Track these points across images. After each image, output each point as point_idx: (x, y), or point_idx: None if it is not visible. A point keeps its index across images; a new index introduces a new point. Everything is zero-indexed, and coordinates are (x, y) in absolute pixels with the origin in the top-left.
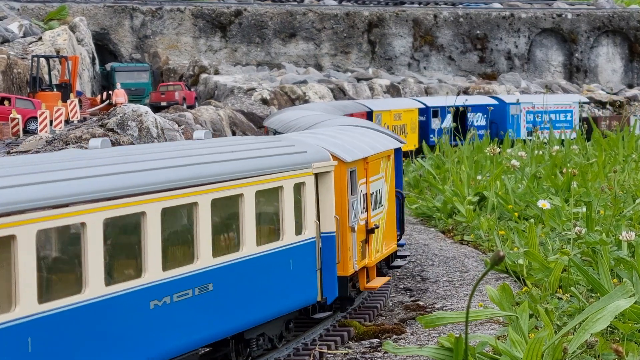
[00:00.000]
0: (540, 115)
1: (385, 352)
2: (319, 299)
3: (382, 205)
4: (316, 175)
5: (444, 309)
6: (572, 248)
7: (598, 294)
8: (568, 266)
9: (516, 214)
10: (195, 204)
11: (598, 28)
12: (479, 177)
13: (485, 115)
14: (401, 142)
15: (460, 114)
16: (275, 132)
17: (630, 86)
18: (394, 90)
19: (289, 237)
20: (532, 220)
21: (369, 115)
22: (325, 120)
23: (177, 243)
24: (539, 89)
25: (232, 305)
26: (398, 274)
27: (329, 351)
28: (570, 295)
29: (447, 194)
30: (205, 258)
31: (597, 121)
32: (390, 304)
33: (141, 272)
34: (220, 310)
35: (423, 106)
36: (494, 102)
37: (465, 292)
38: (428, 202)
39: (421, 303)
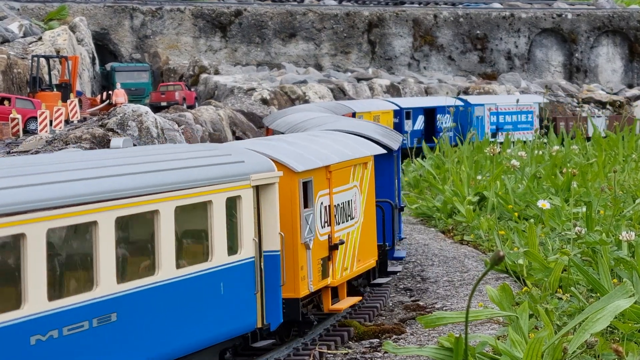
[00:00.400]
0: (503, 116)
1: (385, 352)
2: (259, 325)
3: (352, 219)
4: (257, 187)
5: (444, 309)
6: (572, 248)
7: (598, 294)
8: (568, 266)
9: (516, 214)
10: (94, 223)
11: (598, 28)
12: (479, 177)
13: (452, 117)
14: (387, 149)
15: (429, 116)
16: None
17: (631, 86)
18: (394, 91)
19: (219, 258)
20: (532, 220)
21: (353, 116)
22: (333, 121)
23: (71, 268)
24: (539, 89)
25: (143, 336)
26: (398, 273)
27: (329, 351)
28: (570, 295)
29: (447, 194)
30: (107, 284)
31: (555, 121)
32: (390, 304)
33: (20, 303)
34: (126, 343)
35: (397, 108)
36: (460, 103)
37: (465, 292)
38: (428, 202)
39: (421, 303)
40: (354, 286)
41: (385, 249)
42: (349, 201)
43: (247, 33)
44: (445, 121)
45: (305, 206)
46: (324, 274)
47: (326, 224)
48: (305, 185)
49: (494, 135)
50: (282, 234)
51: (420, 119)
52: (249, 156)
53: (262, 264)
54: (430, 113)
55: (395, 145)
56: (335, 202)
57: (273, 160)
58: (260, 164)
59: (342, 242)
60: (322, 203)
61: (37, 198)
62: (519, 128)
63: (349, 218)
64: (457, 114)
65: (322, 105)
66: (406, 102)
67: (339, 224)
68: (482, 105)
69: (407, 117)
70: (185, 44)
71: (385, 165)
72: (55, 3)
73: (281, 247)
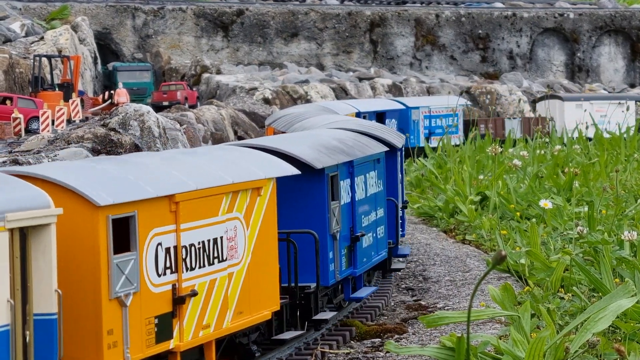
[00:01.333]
0: (435, 120)
1: (387, 352)
2: None
3: (223, 261)
4: (21, 230)
5: (446, 308)
6: (574, 248)
7: (600, 294)
8: (570, 266)
9: (518, 213)
10: None
11: (600, 27)
12: (481, 177)
13: (396, 121)
14: (309, 167)
15: (380, 119)
16: None
17: (633, 85)
18: (395, 90)
19: None
20: (534, 219)
21: None
22: (351, 125)
23: None
24: (540, 89)
25: None
26: (400, 273)
27: (331, 351)
28: (572, 295)
29: (449, 194)
30: None
31: (477, 124)
32: (392, 304)
33: None
34: None
35: (357, 111)
36: (401, 106)
37: (467, 292)
38: (430, 202)
39: (423, 302)
40: (242, 344)
41: (305, 293)
42: (216, 239)
43: (249, 32)
44: (391, 125)
45: (122, 249)
46: (163, 335)
47: (168, 271)
48: (122, 222)
49: (427, 140)
50: (60, 291)
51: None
52: (7, 187)
53: (28, 332)
54: (380, 117)
55: (321, 163)
56: (186, 242)
57: (69, 189)
58: (25, 198)
59: (194, 293)
60: (159, 244)
61: None
62: (448, 132)
63: (216, 260)
64: (398, 117)
65: (308, 107)
66: (364, 105)
67: (192, 269)
68: (418, 108)
69: None
70: (187, 44)
71: (312, 188)
72: (57, 3)
73: (58, 308)
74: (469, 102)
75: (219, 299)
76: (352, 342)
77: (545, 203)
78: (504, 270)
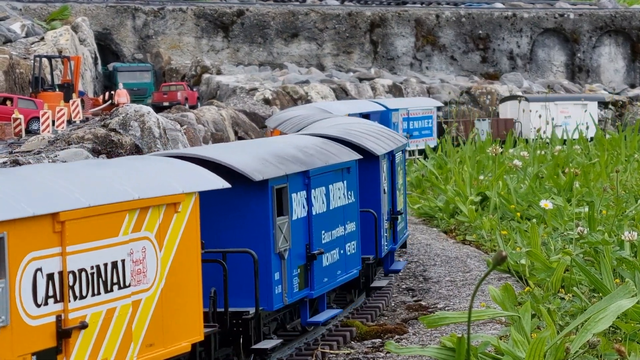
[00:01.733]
0: (412, 122)
1: (388, 352)
2: None
3: (125, 287)
4: None
5: (447, 309)
6: (574, 248)
7: (600, 294)
8: (570, 266)
9: (518, 214)
10: None
11: (600, 28)
12: (481, 177)
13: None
14: (246, 179)
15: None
16: None
17: (633, 86)
18: (396, 90)
19: None
20: (534, 220)
21: None
22: (366, 128)
23: None
24: (541, 89)
25: None
26: (401, 273)
27: (331, 351)
28: (573, 295)
29: (450, 194)
30: None
31: (447, 126)
32: (393, 304)
33: None
34: None
35: (348, 112)
36: (382, 108)
37: (468, 292)
38: (430, 202)
39: (423, 303)
40: None
41: (243, 319)
42: (115, 262)
43: (249, 33)
44: None
45: None
46: None
47: (51, 300)
48: None
49: None
50: None
51: None
52: None
53: None
54: (365, 118)
55: (261, 175)
56: (75, 267)
57: None
58: None
59: (84, 325)
60: (39, 270)
61: None
62: (423, 134)
63: (115, 287)
64: (379, 119)
65: (307, 108)
66: (351, 107)
67: (82, 297)
68: (397, 110)
69: None
70: (188, 44)
71: (252, 202)
72: (58, 3)
73: None
74: (440, 104)
75: (120, 331)
76: (352, 342)
77: (546, 203)
78: (505, 270)
